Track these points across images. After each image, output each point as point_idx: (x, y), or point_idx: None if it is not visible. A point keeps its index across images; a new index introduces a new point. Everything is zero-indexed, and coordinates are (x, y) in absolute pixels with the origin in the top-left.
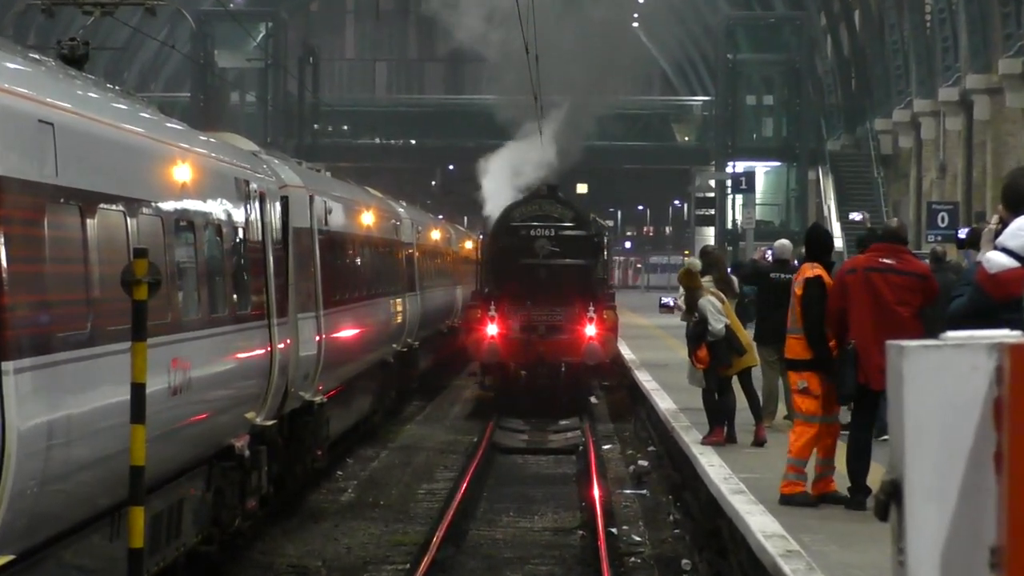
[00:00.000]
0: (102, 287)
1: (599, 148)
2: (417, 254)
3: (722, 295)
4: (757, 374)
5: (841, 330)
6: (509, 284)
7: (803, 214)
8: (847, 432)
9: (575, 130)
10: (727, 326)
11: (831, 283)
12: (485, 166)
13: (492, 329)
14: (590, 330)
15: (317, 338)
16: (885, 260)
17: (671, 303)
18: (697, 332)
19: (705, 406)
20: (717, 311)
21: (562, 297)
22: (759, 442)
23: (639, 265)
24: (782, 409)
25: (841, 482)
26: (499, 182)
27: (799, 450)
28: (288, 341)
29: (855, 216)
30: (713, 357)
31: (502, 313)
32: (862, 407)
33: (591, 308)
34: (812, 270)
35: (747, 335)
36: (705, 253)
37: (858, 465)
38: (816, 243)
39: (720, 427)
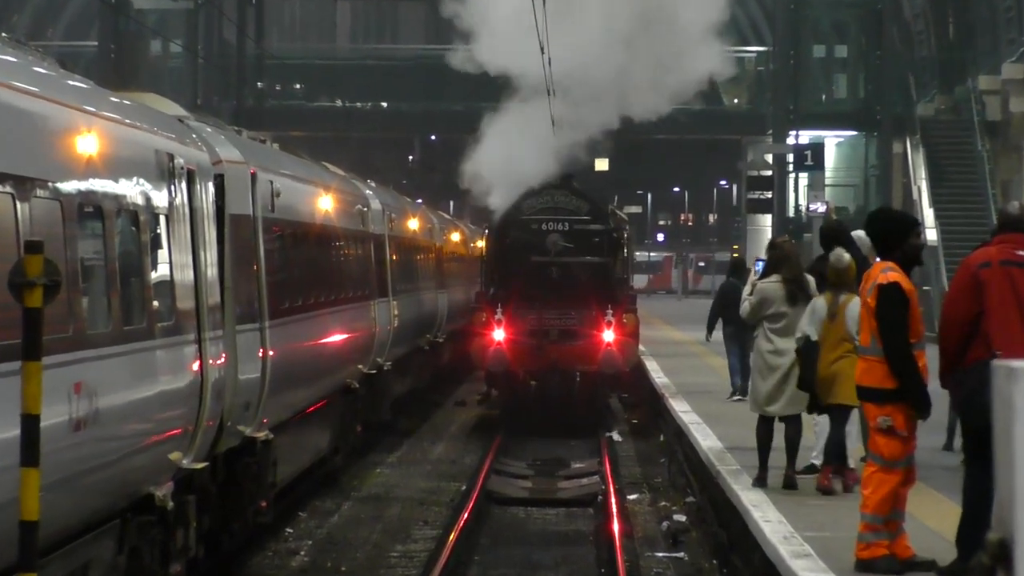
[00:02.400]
0: None
1: (622, 117)
2: (390, 249)
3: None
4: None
5: (970, 340)
6: (517, 284)
7: (886, 197)
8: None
9: (594, 97)
10: (809, 342)
11: (911, 288)
12: (480, 139)
13: (499, 334)
14: (608, 335)
15: (261, 356)
16: (1022, 252)
17: None
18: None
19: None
20: (813, 317)
21: (577, 299)
22: (823, 490)
23: (701, 263)
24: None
25: (919, 539)
26: (500, 163)
27: (877, 504)
28: (224, 360)
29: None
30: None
31: (510, 316)
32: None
33: (609, 311)
34: (885, 274)
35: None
36: (773, 246)
37: (979, 519)
38: (882, 233)
39: (827, 465)
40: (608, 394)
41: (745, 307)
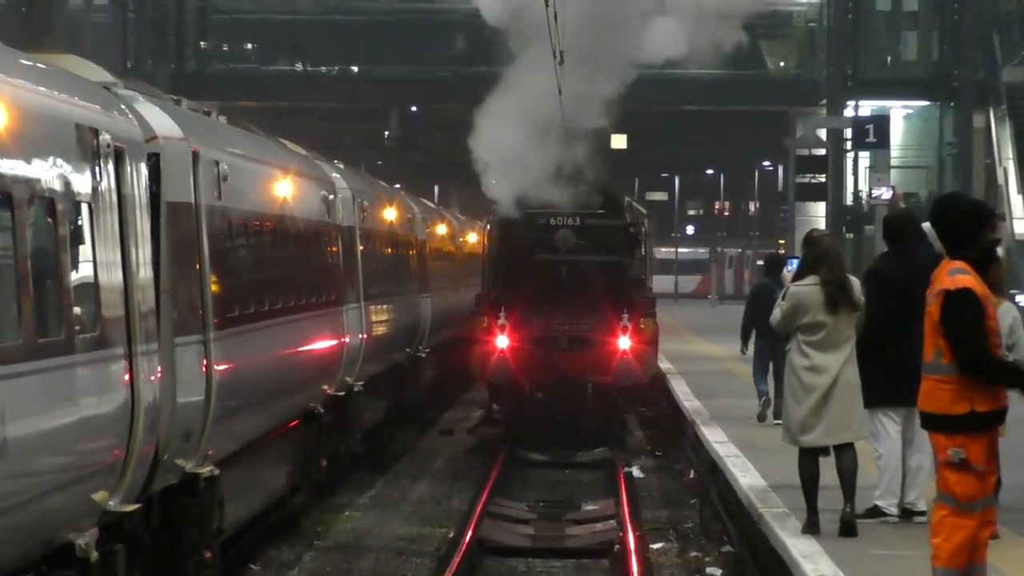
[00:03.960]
0: None
1: (646, 80)
2: (361, 245)
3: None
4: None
5: None
6: (523, 286)
7: (965, 181)
8: None
9: (608, 63)
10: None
11: (986, 294)
12: (473, 114)
13: (502, 341)
14: (623, 343)
15: (205, 374)
16: None
17: None
18: None
19: None
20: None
21: (589, 302)
22: None
23: (760, 263)
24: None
25: None
26: (497, 144)
27: (951, 554)
28: (159, 379)
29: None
30: None
31: (514, 321)
32: None
33: (625, 316)
34: (953, 278)
35: None
36: (809, 240)
37: None
38: (950, 226)
39: None
40: (624, 408)
41: (776, 315)
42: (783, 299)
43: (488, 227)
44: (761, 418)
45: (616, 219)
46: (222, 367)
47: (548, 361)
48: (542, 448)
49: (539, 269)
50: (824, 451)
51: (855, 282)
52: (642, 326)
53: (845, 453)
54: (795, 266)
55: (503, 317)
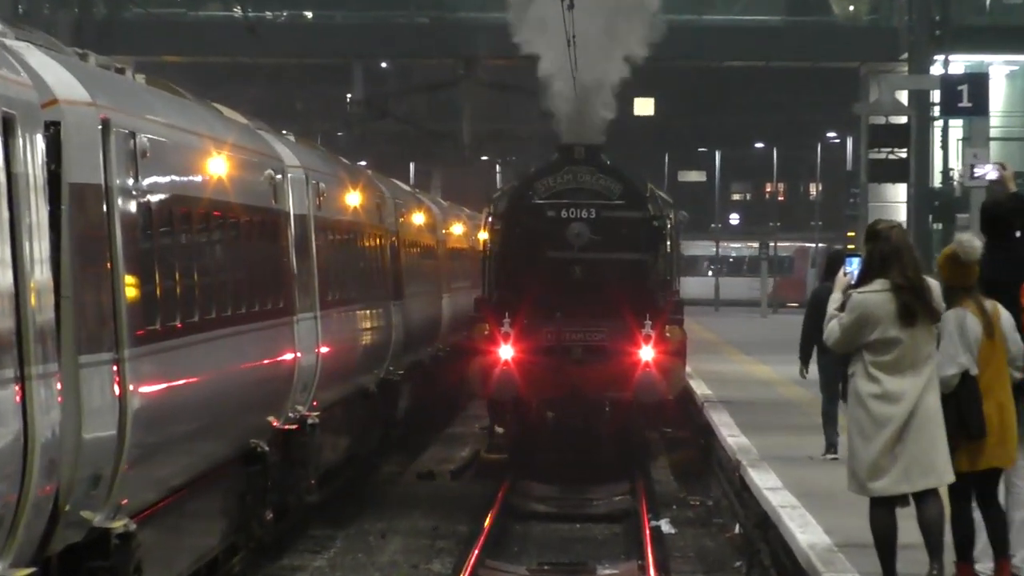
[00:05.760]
0: None
1: (679, 29)
2: (317, 238)
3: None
4: None
5: None
6: (530, 287)
7: None
8: None
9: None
10: (967, 379)
11: None
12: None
13: (506, 351)
14: (645, 353)
15: (119, 402)
16: None
17: None
18: None
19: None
20: (962, 342)
21: (606, 306)
22: None
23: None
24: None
25: None
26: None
27: None
28: (60, 408)
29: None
30: None
31: (520, 329)
32: None
33: (647, 322)
34: None
35: (1010, 417)
36: (874, 235)
37: None
38: None
39: (966, 563)
40: (644, 427)
41: (834, 330)
42: (840, 308)
43: (490, 219)
44: (830, 444)
45: (637, 210)
46: (140, 393)
47: (559, 375)
48: (548, 487)
49: (549, 268)
50: (902, 500)
51: (935, 286)
52: (667, 335)
53: (929, 502)
54: (855, 267)
55: (507, 324)
